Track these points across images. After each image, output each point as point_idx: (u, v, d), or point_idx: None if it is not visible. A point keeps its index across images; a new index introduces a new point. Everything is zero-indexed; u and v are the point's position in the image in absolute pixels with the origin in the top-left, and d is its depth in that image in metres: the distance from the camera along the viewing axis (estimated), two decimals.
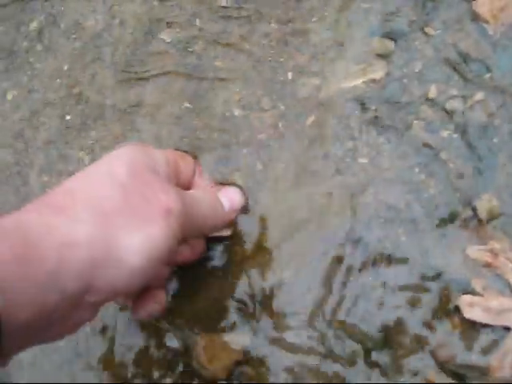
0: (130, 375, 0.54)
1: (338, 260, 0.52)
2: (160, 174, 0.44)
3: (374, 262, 0.51)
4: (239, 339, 0.51)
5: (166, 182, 0.44)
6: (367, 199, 0.53)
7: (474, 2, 0.55)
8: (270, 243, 0.53)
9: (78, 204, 0.38)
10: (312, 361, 0.50)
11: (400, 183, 0.52)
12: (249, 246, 0.53)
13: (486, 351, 0.48)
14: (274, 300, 0.52)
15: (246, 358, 0.52)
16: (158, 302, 0.47)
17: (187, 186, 0.51)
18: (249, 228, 0.53)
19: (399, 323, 0.50)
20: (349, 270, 0.51)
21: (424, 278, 0.50)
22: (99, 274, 0.37)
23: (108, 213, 0.39)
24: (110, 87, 0.60)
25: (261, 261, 0.53)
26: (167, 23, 0.60)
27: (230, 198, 0.51)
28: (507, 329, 0.48)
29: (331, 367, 0.50)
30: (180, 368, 0.53)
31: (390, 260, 0.51)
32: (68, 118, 0.61)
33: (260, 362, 0.51)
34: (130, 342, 0.55)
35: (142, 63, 0.60)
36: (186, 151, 0.55)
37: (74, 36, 0.63)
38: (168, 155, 0.47)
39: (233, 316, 0.52)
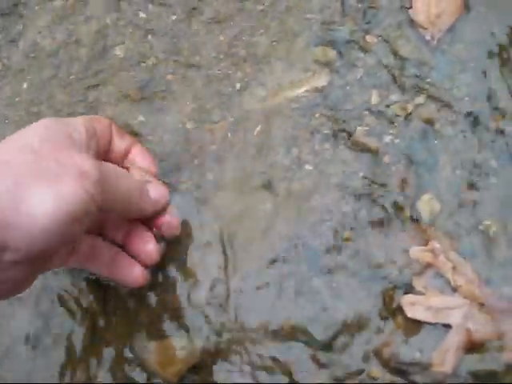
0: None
1: (285, 264, 0.53)
2: (77, 141, 0.45)
3: (321, 268, 0.53)
4: (190, 345, 0.53)
5: (83, 148, 0.45)
6: (313, 204, 0.54)
7: (410, 10, 0.57)
8: (218, 250, 0.54)
9: None
10: (262, 363, 0.52)
11: (345, 188, 0.54)
12: (198, 252, 0.55)
13: (428, 348, 0.50)
14: (226, 305, 0.54)
15: (199, 364, 0.53)
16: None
17: (104, 150, 0.51)
18: (198, 235, 0.55)
19: (344, 324, 0.51)
20: (295, 274, 0.53)
21: (368, 278, 0.52)
22: (11, 233, 0.39)
23: (17, 175, 0.39)
24: (66, 104, 0.62)
25: (210, 267, 0.54)
26: (120, 39, 0.62)
27: (157, 189, 0.52)
28: (448, 326, 0.50)
29: (281, 369, 0.52)
30: (134, 374, 0.54)
31: (335, 263, 0.53)
32: None
33: (212, 368, 0.53)
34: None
35: (97, 79, 0.62)
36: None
37: (32, 55, 0.65)
38: (85, 122, 0.48)
39: (185, 322, 0.54)
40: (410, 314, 0.50)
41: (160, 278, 0.55)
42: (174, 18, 0.62)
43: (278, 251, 0.54)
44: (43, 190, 0.40)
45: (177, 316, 0.54)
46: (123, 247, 0.53)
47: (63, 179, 0.41)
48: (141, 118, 0.60)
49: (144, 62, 0.61)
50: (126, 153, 0.54)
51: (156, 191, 0.52)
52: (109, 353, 0.55)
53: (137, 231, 0.53)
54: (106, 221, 0.53)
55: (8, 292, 0.44)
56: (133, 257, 0.53)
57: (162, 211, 0.53)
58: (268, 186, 0.55)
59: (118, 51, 0.62)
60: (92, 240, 0.52)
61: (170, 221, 0.53)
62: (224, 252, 0.55)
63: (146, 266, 0.52)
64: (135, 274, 0.52)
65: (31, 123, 0.60)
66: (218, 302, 0.54)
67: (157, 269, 0.54)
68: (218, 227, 0.55)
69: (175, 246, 0.56)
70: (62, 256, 0.50)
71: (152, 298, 0.55)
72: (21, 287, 0.45)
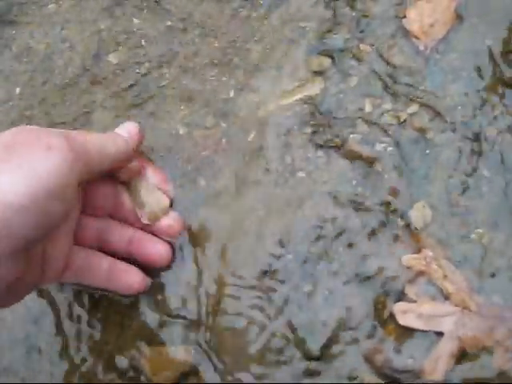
0: None
1: (277, 271, 0.53)
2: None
3: (313, 275, 0.53)
4: (184, 351, 0.53)
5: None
6: (306, 212, 0.54)
7: (404, 19, 0.57)
8: (210, 257, 0.54)
9: None
10: (255, 369, 0.52)
11: (337, 196, 0.54)
12: (189, 258, 0.55)
13: (420, 356, 0.50)
14: (218, 310, 0.54)
15: (192, 370, 0.53)
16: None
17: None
18: (190, 241, 0.55)
19: (336, 331, 0.51)
20: (287, 281, 0.53)
21: (361, 286, 0.52)
22: None
23: None
24: (60, 109, 0.62)
25: (202, 272, 0.54)
26: (114, 45, 0.62)
27: (127, 129, 0.53)
28: (440, 333, 0.50)
29: (273, 376, 0.51)
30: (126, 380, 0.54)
31: (328, 271, 0.53)
32: None
33: (205, 373, 0.53)
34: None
35: (90, 85, 0.62)
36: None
37: (25, 59, 0.65)
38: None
39: (178, 327, 0.54)
40: (401, 322, 0.50)
41: (152, 282, 0.55)
42: (168, 24, 0.62)
43: (270, 258, 0.54)
44: (12, 172, 0.39)
45: (170, 321, 0.54)
46: (126, 257, 0.54)
47: (31, 158, 0.40)
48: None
49: (138, 68, 0.61)
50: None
51: (127, 132, 0.52)
52: (100, 359, 0.54)
53: (141, 236, 0.53)
54: (107, 231, 0.53)
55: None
56: (140, 263, 0.53)
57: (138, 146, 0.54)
58: (260, 192, 0.55)
59: (112, 57, 0.62)
60: (86, 253, 0.52)
61: (171, 224, 0.54)
62: (216, 259, 0.55)
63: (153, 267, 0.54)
64: (133, 279, 0.53)
65: None
66: (211, 307, 0.53)
67: (149, 273, 0.54)
68: (211, 233, 0.55)
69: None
70: (56, 268, 0.50)
71: (145, 303, 0.54)
72: (12, 294, 0.45)
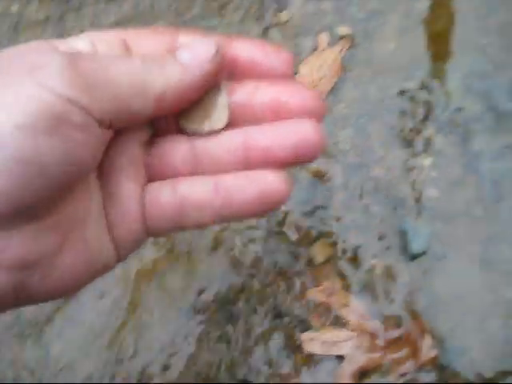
0: None
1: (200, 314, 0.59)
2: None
3: (232, 316, 0.59)
4: None
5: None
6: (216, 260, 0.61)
7: (297, 75, 0.64)
8: None
9: None
10: None
11: (250, 237, 0.60)
12: None
13: (326, 379, 0.56)
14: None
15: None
16: None
17: None
18: None
19: (250, 365, 0.58)
20: (209, 321, 0.59)
21: (274, 319, 0.58)
22: None
23: None
24: None
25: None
26: None
27: (189, 48, 0.32)
28: (341, 357, 0.57)
29: None
30: None
31: (248, 311, 0.59)
32: None
33: None
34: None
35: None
36: None
37: None
38: None
39: None
40: (308, 349, 0.57)
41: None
42: None
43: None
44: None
45: None
46: None
47: (17, 81, 0.28)
48: None
49: None
50: None
51: (189, 52, 0.32)
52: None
53: None
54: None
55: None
56: None
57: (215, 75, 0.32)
58: None
59: None
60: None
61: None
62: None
63: None
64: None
65: None
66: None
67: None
68: None
69: None
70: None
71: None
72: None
